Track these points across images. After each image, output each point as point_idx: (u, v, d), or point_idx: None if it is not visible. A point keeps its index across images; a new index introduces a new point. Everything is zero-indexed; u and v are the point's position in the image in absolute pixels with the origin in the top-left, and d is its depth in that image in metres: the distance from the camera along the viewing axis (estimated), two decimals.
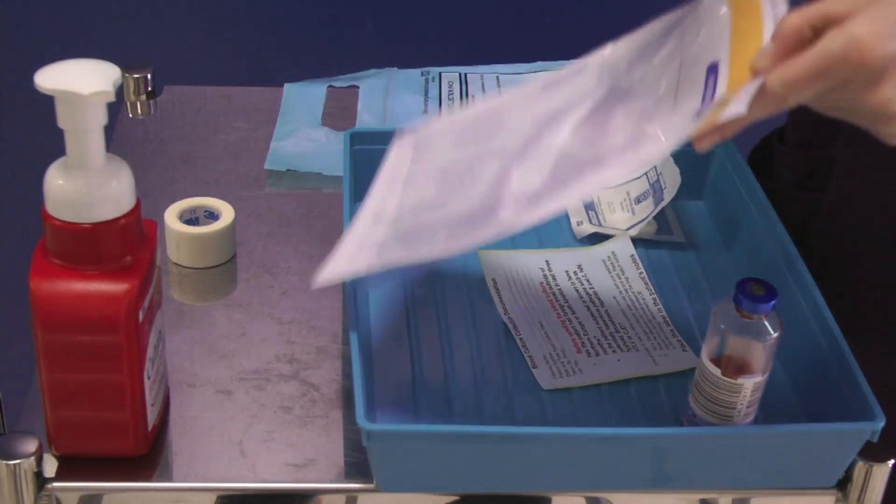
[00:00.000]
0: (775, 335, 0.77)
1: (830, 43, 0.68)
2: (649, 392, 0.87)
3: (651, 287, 0.97)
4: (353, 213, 0.92)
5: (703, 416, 0.80)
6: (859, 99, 0.70)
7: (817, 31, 0.70)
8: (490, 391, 0.87)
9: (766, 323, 0.77)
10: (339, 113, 1.22)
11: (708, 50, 0.76)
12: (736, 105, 0.69)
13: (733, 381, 0.78)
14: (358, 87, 1.26)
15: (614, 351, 0.90)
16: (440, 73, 1.28)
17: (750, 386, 0.78)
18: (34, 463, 0.78)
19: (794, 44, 0.71)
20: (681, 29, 0.81)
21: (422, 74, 1.28)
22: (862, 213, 0.99)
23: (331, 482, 0.81)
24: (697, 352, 0.90)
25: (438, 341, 0.91)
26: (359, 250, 0.83)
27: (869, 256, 0.99)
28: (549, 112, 0.84)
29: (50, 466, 0.80)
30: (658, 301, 0.94)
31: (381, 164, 0.90)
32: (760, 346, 0.77)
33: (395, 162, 0.90)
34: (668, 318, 0.93)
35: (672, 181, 1.02)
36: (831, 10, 0.70)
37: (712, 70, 0.75)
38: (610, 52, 0.84)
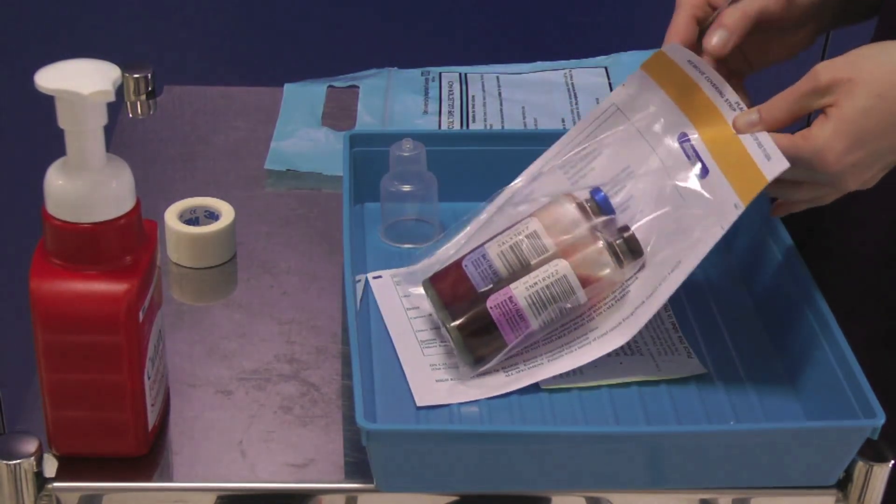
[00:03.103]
0: None
1: (798, 150, 0.79)
2: (651, 392, 0.87)
3: None
4: (352, 213, 0.92)
5: None
6: (829, 191, 0.82)
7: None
8: None
9: None
10: (339, 113, 1.22)
11: (670, 129, 0.88)
12: (778, 161, 0.80)
13: None
14: (358, 87, 1.26)
15: (617, 354, 0.88)
16: (440, 73, 1.28)
17: None
18: (34, 463, 0.78)
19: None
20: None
21: (422, 74, 1.28)
22: (874, 204, 0.99)
23: (331, 482, 0.81)
24: (703, 360, 0.89)
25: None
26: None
27: (876, 249, 0.99)
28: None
29: (50, 466, 0.80)
30: (668, 306, 0.93)
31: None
32: None
33: None
34: (677, 325, 0.92)
35: None
36: (813, 106, 0.80)
37: (683, 138, 0.87)
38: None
